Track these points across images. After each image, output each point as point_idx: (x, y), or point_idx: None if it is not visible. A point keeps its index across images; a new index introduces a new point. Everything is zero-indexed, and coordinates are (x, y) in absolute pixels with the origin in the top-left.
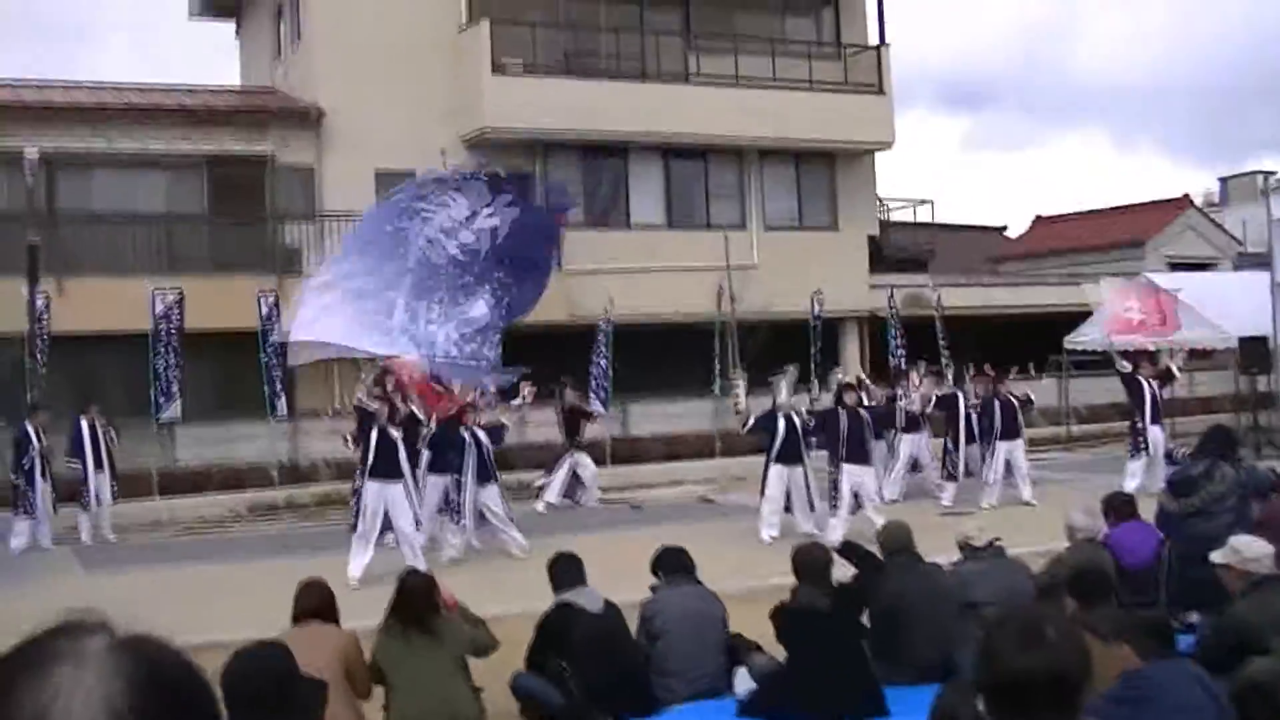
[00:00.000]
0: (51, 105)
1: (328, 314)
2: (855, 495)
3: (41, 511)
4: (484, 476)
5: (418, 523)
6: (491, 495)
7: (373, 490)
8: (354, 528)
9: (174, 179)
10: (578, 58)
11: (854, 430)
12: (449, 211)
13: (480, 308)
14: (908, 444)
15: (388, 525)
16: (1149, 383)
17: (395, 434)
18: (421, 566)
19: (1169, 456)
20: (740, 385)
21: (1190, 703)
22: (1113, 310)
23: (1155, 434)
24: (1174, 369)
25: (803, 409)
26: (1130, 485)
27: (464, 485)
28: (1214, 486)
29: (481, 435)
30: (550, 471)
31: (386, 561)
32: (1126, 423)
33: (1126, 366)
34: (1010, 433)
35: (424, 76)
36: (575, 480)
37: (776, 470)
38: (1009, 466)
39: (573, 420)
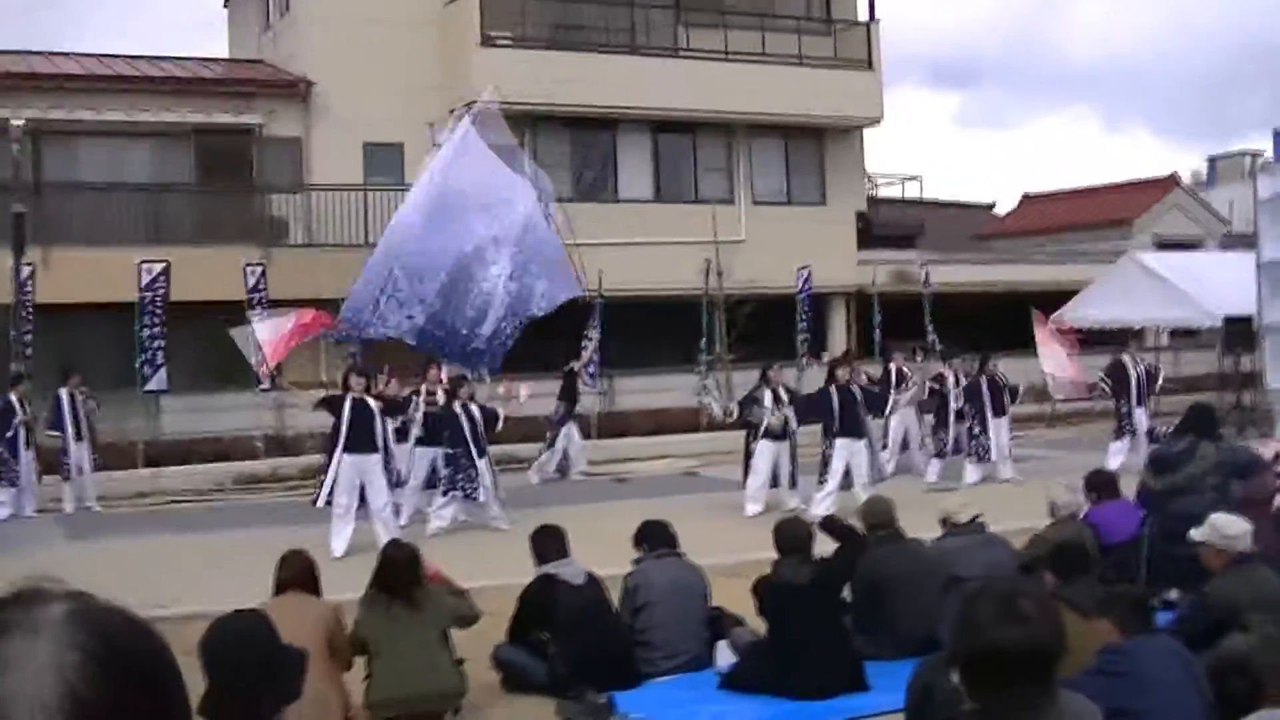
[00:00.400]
0: (38, 75)
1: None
2: (847, 471)
3: (25, 481)
4: (479, 451)
5: (397, 507)
6: (482, 470)
7: (348, 463)
8: (316, 501)
9: (161, 149)
10: (566, 30)
11: (846, 404)
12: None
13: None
14: (898, 420)
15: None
16: (1136, 363)
17: (373, 405)
18: (400, 536)
19: (1151, 434)
20: (712, 389)
21: (1168, 678)
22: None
23: (1139, 415)
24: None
25: (789, 384)
26: (1113, 464)
27: (457, 458)
28: (1195, 465)
29: (474, 410)
30: (551, 444)
31: (368, 533)
32: (1109, 402)
33: (1107, 384)
34: (997, 410)
35: (412, 48)
36: (563, 452)
37: (763, 445)
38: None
39: (569, 385)
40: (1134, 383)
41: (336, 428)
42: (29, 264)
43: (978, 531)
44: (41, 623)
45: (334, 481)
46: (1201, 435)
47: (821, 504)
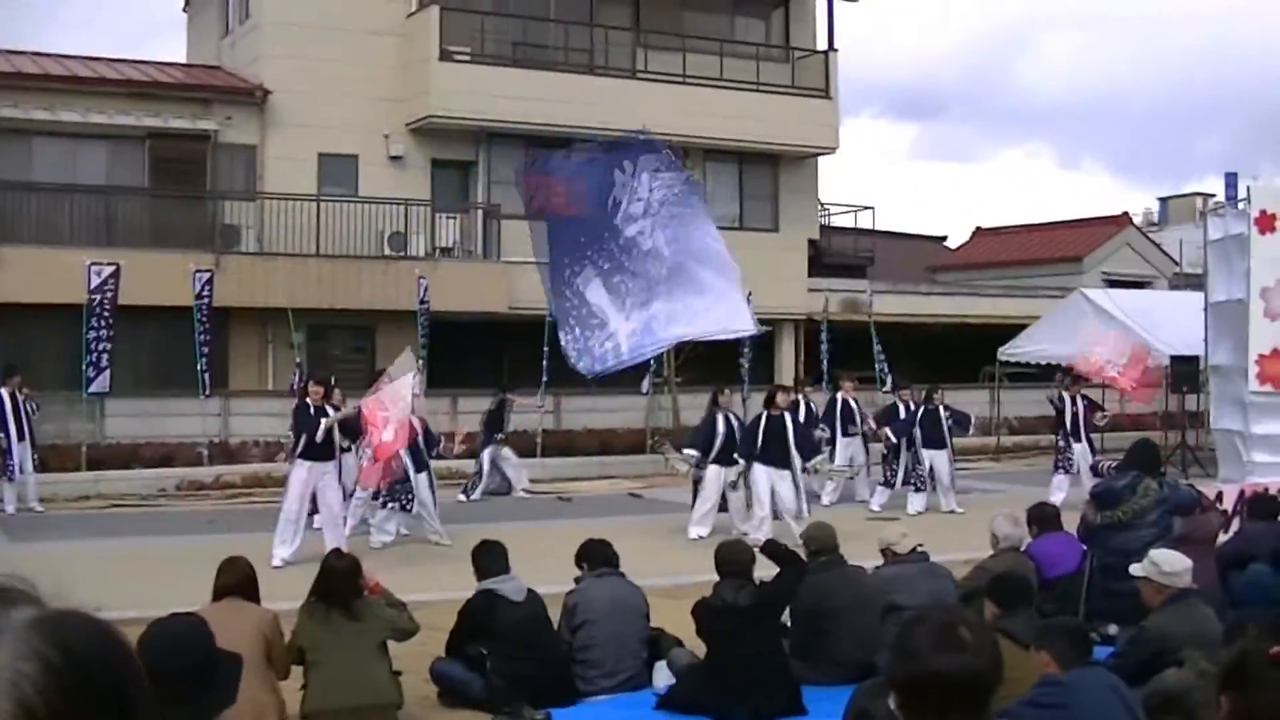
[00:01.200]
0: None
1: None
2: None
3: None
4: (418, 465)
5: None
6: (421, 484)
7: (303, 470)
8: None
9: (115, 152)
10: (526, 48)
11: (771, 432)
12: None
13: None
14: (843, 447)
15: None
16: (1073, 399)
17: (331, 414)
18: (344, 546)
19: (1094, 469)
20: (670, 453)
21: (1105, 711)
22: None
23: (1079, 450)
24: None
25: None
26: (1055, 498)
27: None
28: (1137, 500)
29: (417, 425)
30: (478, 470)
31: (309, 544)
32: (1054, 436)
33: (1064, 399)
34: (936, 443)
35: (371, 60)
36: (499, 472)
37: (714, 470)
38: (933, 474)
39: (498, 413)
40: (1068, 417)
41: (297, 439)
42: None
43: (919, 561)
44: (2, 628)
45: (290, 488)
46: (1145, 471)
47: (759, 530)
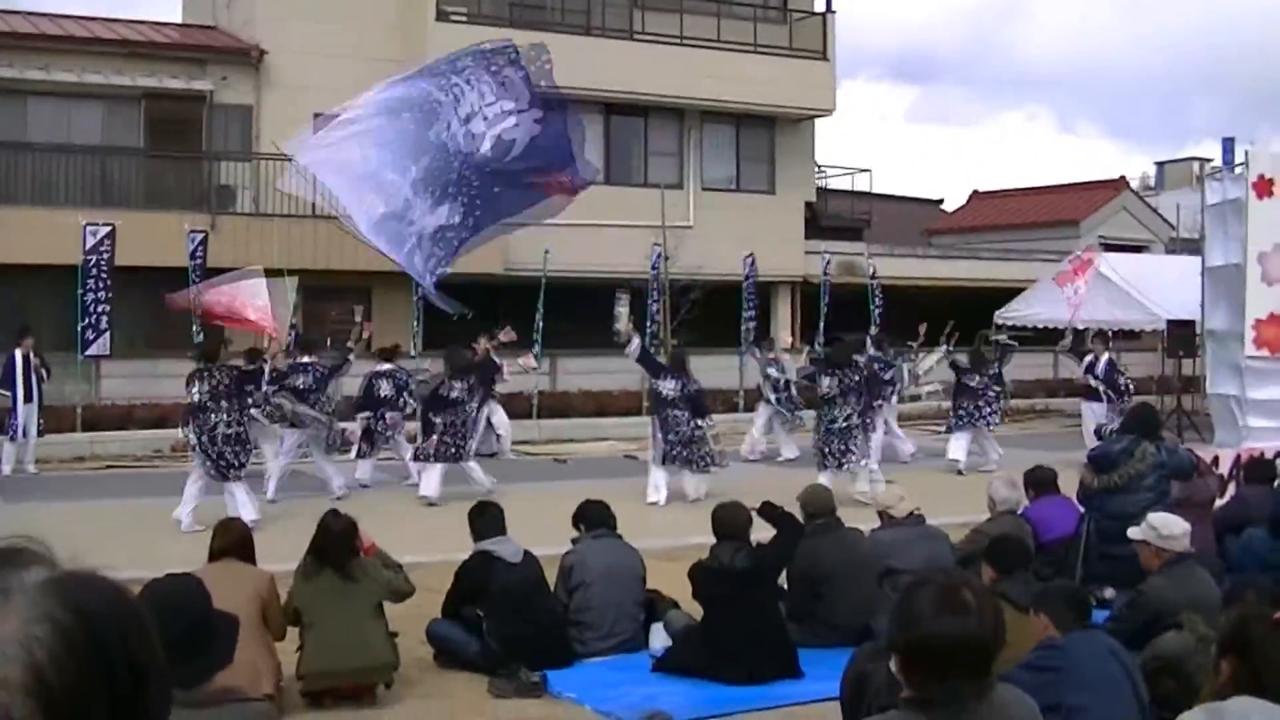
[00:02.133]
0: None
1: (333, 157)
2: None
3: None
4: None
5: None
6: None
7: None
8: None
9: (110, 112)
10: (522, 9)
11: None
12: (479, 96)
13: (442, 216)
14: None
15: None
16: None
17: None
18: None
19: (1097, 433)
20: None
21: (1104, 674)
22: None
23: (1099, 409)
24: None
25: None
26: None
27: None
28: (1135, 464)
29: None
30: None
31: (298, 505)
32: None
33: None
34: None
35: (368, 20)
36: (489, 428)
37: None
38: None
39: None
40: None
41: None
42: None
43: (916, 524)
44: (15, 589)
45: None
46: (1143, 435)
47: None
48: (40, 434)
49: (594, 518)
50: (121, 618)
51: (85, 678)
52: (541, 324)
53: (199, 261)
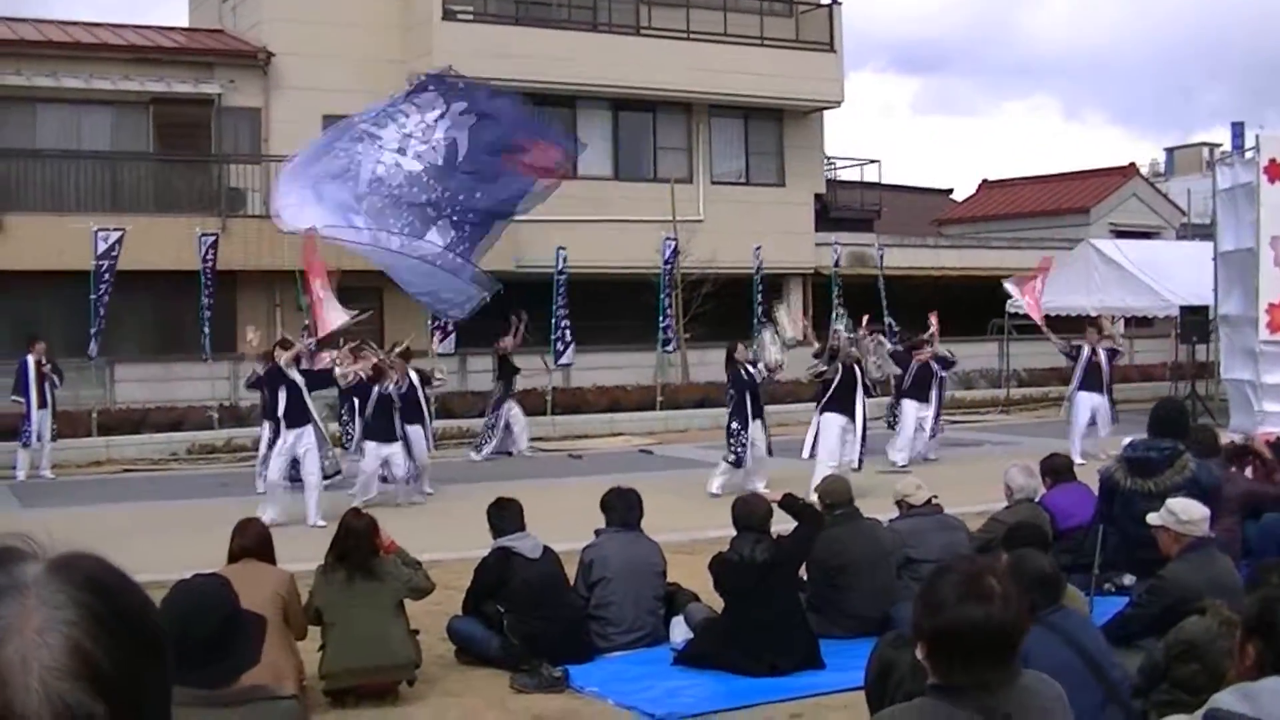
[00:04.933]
0: None
1: (306, 204)
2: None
3: None
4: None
5: (328, 471)
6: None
7: (292, 437)
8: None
9: (119, 117)
10: (529, 6)
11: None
12: (399, 126)
13: (434, 238)
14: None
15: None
16: (1094, 350)
17: (298, 378)
18: (318, 521)
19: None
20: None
21: (1055, 664)
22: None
23: (1092, 401)
24: (1116, 343)
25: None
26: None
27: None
28: (1173, 475)
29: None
30: (492, 425)
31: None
32: (1064, 387)
33: (1065, 346)
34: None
35: (374, 20)
36: (506, 430)
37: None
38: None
39: (504, 365)
40: (1080, 368)
41: (274, 405)
42: None
43: (933, 513)
44: (24, 583)
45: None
46: (1176, 436)
47: (716, 481)
48: (54, 439)
49: (620, 505)
50: (130, 586)
51: (126, 649)
52: (566, 322)
53: (210, 264)
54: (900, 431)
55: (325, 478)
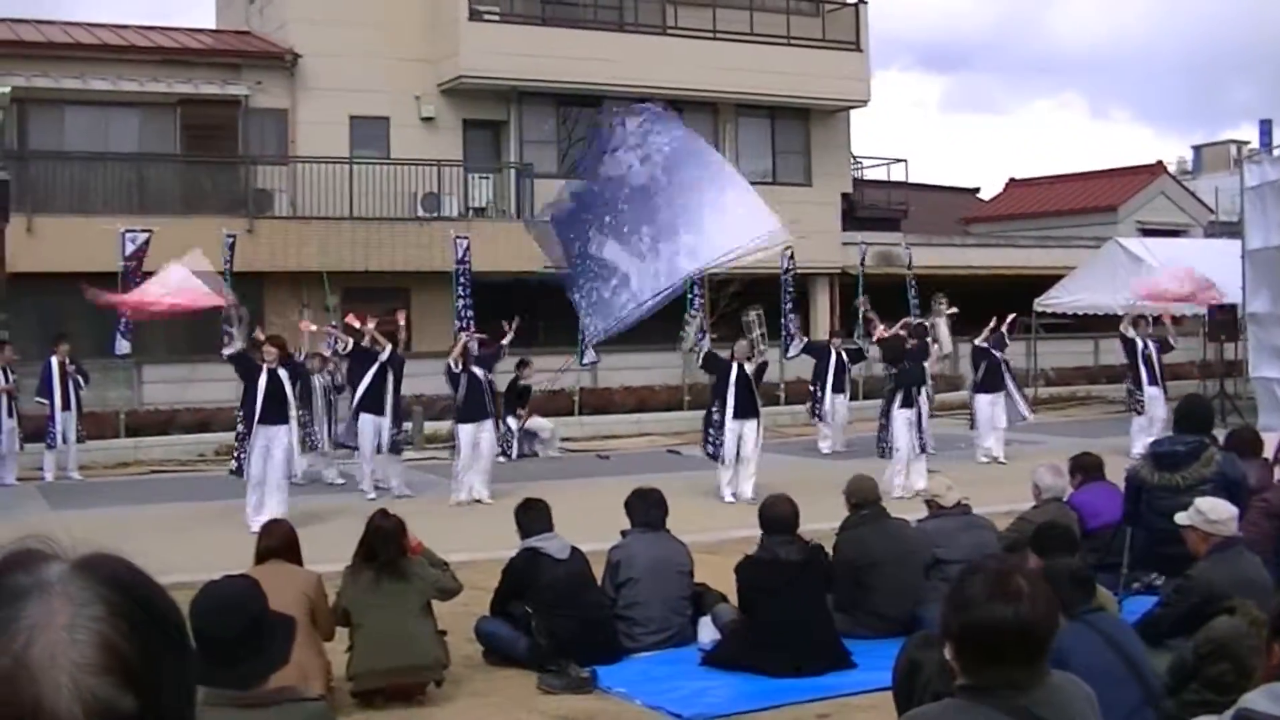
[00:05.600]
0: (25, 43)
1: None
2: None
3: (6, 449)
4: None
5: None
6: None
7: (264, 434)
8: (237, 472)
9: (146, 119)
10: (555, 6)
11: (739, 385)
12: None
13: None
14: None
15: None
16: (1145, 342)
17: (283, 375)
18: (282, 514)
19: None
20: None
21: (1097, 664)
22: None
23: (1152, 394)
24: (1170, 339)
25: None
26: (1137, 445)
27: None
28: (1199, 469)
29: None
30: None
31: (341, 504)
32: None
33: (1131, 331)
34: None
35: (400, 22)
36: (530, 434)
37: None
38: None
39: (520, 396)
40: (1140, 360)
41: (251, 401)
42: None
43: (963, 514)
44: (49, 582)
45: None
46: (1200, 431)
47: (725, 488)
48: (80, 440)
49: (643, 506)
50: (152, 583)
51: (152, 644)
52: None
53: (228, 265)
54: (979, 425)
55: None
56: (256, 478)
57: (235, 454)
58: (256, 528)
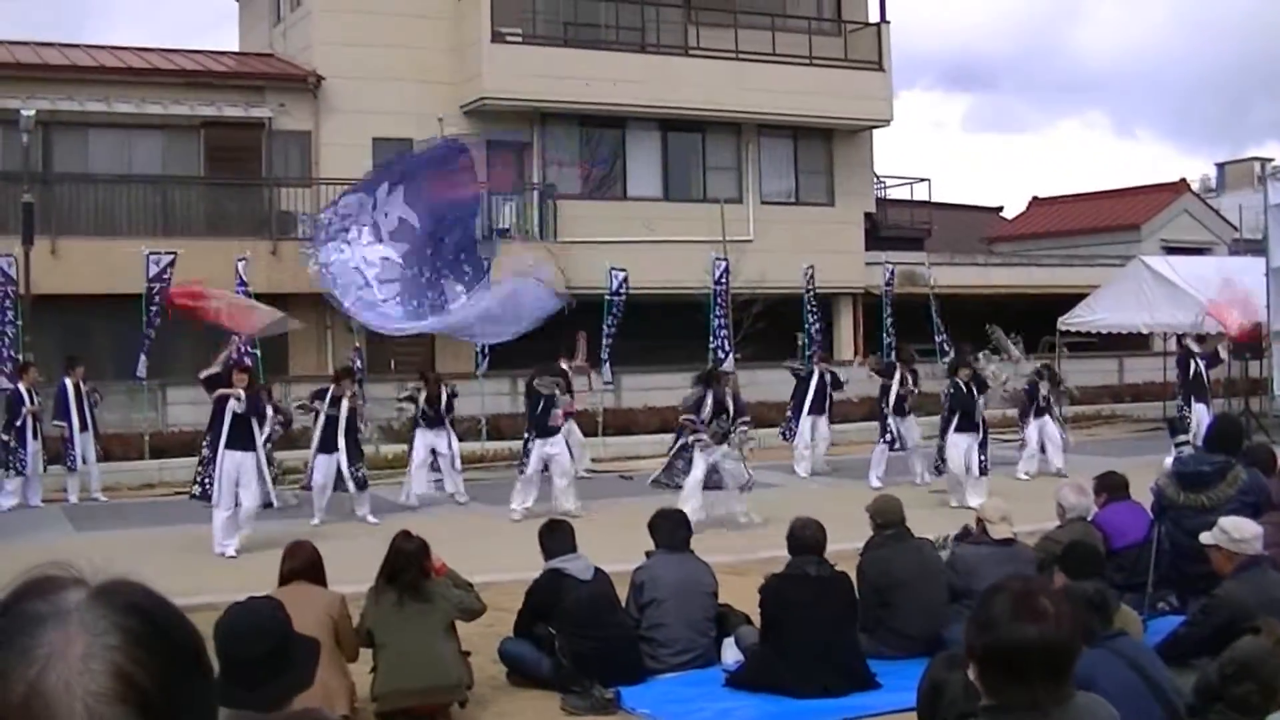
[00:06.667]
0: (49, 66)
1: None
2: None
3: (31, 470)
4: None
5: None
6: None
7: (231, 460)
8: (200, 496)
9: (170, 141)
10: (577, 28)
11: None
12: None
13: (456, 291)
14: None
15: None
16: (1195, 360)
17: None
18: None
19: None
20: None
21: (1119, 687)
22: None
23: (1199, 411)
24: (1221, 352)
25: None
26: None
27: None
28: (1225, 488)
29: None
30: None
31: (364, 526)
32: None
33: (1195, 347)
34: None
35: (423, 44)
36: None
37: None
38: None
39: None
40: (1190, 378)
41: (218, 427)
42: (8, 256)
43: (1005, 545)
44: (67, 610)
45: (219, 478)
46: (1230, 451)
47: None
48: (100, 460)
49: (667, 528)
50: (170, 610)
51: (169, 672)
52: (607, 343)
53: (243, 288)
54: (1026, 447)
55: (265, 505)
56: (226, 504)
57: (199, 479)
58: (230, 552)
